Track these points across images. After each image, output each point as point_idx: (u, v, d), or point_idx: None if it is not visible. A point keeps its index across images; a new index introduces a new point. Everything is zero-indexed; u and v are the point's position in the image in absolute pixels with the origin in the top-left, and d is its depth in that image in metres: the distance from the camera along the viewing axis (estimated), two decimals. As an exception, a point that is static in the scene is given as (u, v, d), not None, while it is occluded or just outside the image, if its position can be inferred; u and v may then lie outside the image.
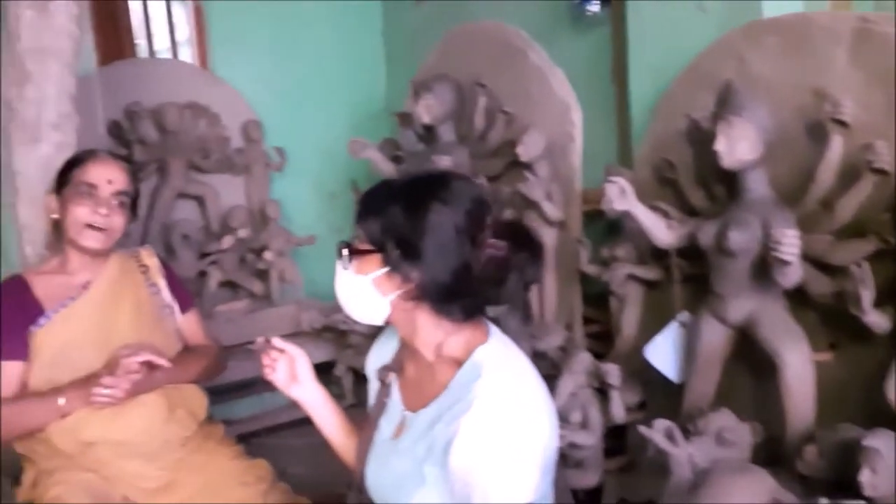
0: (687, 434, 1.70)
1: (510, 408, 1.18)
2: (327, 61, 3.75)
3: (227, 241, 3.22)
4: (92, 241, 1.83)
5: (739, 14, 2.10)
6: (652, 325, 2.19)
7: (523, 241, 1.28)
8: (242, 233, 3.25)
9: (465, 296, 1.25)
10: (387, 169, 2.88)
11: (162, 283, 2.01)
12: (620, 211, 1.98)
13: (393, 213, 1.24)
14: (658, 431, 1.60)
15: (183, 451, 1.88)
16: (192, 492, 1.84)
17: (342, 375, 3.05)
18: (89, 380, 1.75)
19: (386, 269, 1.26)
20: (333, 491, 2.02)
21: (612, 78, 2.61)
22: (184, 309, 2.05)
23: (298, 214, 3.61)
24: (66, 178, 1.86)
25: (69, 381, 1.77)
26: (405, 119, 2.94)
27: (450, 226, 1.22)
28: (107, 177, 1.84)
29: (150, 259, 2.03)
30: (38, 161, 2.11)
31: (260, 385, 2.95)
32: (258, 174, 3.43)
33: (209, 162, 3.31)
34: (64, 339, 1.82)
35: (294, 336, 2.99)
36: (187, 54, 3.78)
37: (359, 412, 1.60)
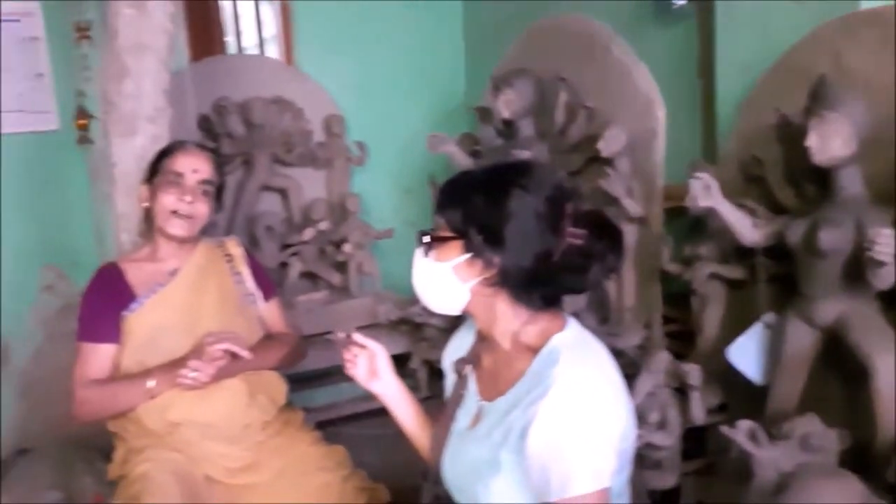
0: (770, 438, 1.65)
1: (587, 393, 1.18)
2: (408, 57, 3.78)
3: (308, 234, 3.29)
4: (177, 228, 1.91)
5: (835, 6, 2.03)
6: (734, 325, 2.13)
7: (604, 231, 1.27)
8: (323, 225, 3.32)
9: (545, 283, 1.26)
10: (465, 164, 2.89)
11: (246, 272, 2.08)
12: (704, 208, 1.94)
13: (474, 201, 1.26)
14: (741, 432, 1.56)
15: (263, 434, 1.94)
16: (271, 474, 1.89)
17: (417, 368, 3.07)
18: (176, 363, 1.82)
19: (467, 256, 1.27)
20: (407, 481, 2.05)
21: (697, 72, 2.55)
22: (266, 297, 2.11)
23: (376, 208, 3.66)
24: (156, 167, 1.95)
25: (157, 365, 1.85)
26: (484, 114, 2.94)
27: (531, 212, 1.23)
28: (192, 166, 1.92)
29: (235, 248, 2.10)
30: (133, 153, 2.21)
31: (337, 375, 3.02)
32: (339, 168, 3.48)
33: (292, 155, 3.38)
34: (153, 323, 1.90)
35: (370, 328, 3.04)
36: (273, 51, 3.88)
37: (433, 404, 1.62)
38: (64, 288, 3.16)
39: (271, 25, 3.96)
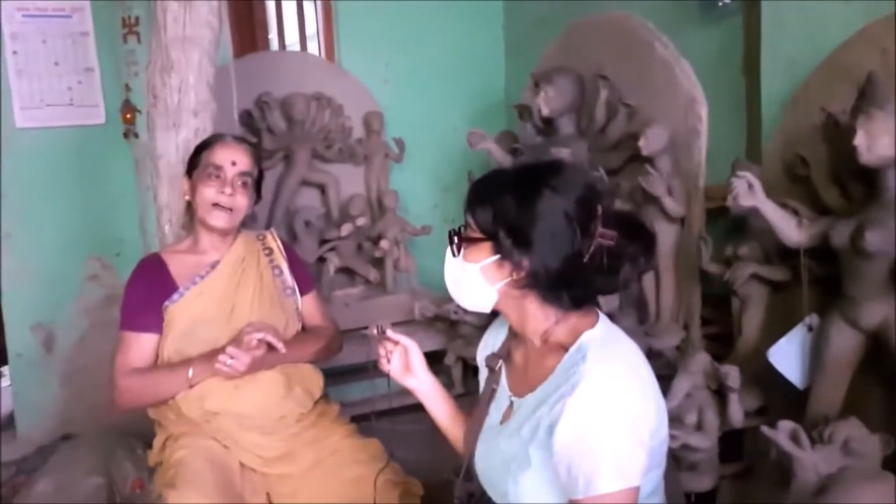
0: (811, 442, 1.63)
1: (614, 390, 1.17)
2: (448, 54, 3.78)
3: (346, 229, 3.31)
4: (219, 220, 1.94)
5: (883, 4, 1.98)
6: (775, 327, 2.10)
7: (635, 232, 1.26)
8: (361, 221, 3.34)
9: (574, 284, 1.25)
10: (504, 162, 2.88)
11: (284, 266, 2.10)
12: (747, 207, 1.91)
13: (504, 201, 1.25)
14: (783, 433, 1.53)
15: (298, 426, 1.96)
16: (305, 464, 1.91)
17: (451, 365, 3.07)
18: (215, 353, 1.84)
19: (495, 258, 1.27)
20: (439, 477, 2.05)
21: (742, 71, 2.51)
22: (304, 291, 2.13)
23: (414, 205, 3.67)
24: (196, 161, 1.98)
25: (197, 355, 1.88)
26: (524, 111, 2.93)
27: (560, 214, 1.22)
28: (231, 158, 1.95)
29: (274, 242, 2.13)
30: (177, 145, 2.25)
31: (372, 370, 3.03)
32: (378, 164, 3.50)
33: (332, 151, 3.41)
34: (193, 314, 1.93)
35: (406, 324, 3.04)
36: (315, 49, 3.91)
37: (468, 401, 1.62)
38: (108, 278, 3.23)
39: (313, 23, 4.00)
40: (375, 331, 1.51)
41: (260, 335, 1.84)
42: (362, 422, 2.21)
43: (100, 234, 3.23)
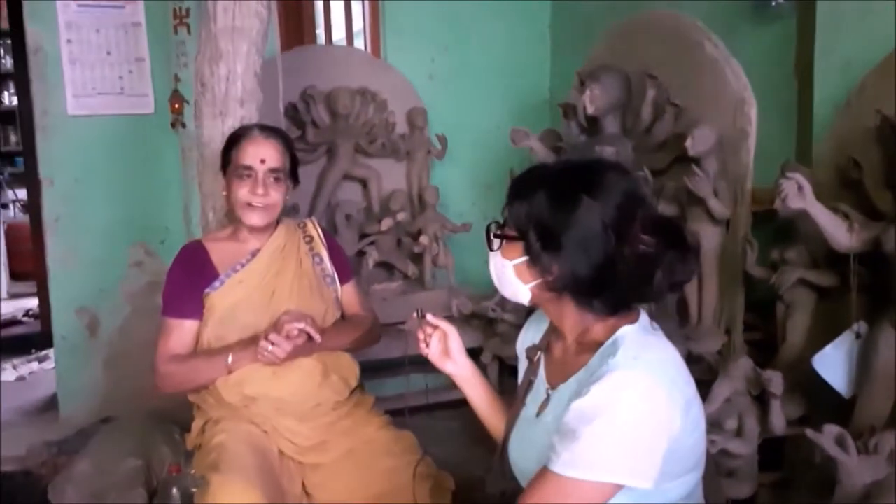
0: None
1: (638, 388, 1.14)
2: (493, 52, 3.78)
3: (386, 224, 3.32)
4: (254, 219, 1.95)
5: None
6: (821, 334, 2.05)
7: (674, 239, 1.22)
8: (401, 216, 3.35)
9: (606, 292, 1.23)
10: (548, 160, 2.86)
11: (324, 254, 2.11)
12: (795, 210, 1.87)
13: (539, 202, 1.23)
14: (829, 437, 1.49)
15: (334, 414, 1.96)
16: (339, 454, 1.92)
17: (488, 363, 3.06)
18: (254, 340, 1.86)
19: (525, 258, 1.26)
20: (472, 474, 2.05)
21: (794, 72, 2.46)
22: (344, 279, 2.13)
23: (454, 202, 3.66)
24: (226, 158, 1.99)
25: (236, 341, 1.90)
26: (569, 110, 2.91)
27: (596, 220, 1.19)
28: (260, 156, 1.93)
29: (315, 230, 2.13)
30: (223, 134, 2.25)
31: (407, 366, 3.03)
32: (420, 160, 3.50)
33: (375, 146, 3.42)
34: (233, 301, 1.95)
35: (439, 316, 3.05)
36: (361, 44, 3.94)
37: (504, 396, 1.61)
38: (152, 265, 3.28)
39: (360, 19, 4.02)
40: (416, 315, 1.51)
41: (300, 325, 1.85)
42: (396, 417, 2.21)
43: (145, 222, 3.28)
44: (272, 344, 1.81)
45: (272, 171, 1.94)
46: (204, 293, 1.95)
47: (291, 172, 2.02)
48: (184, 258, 2.03)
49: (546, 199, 1.23)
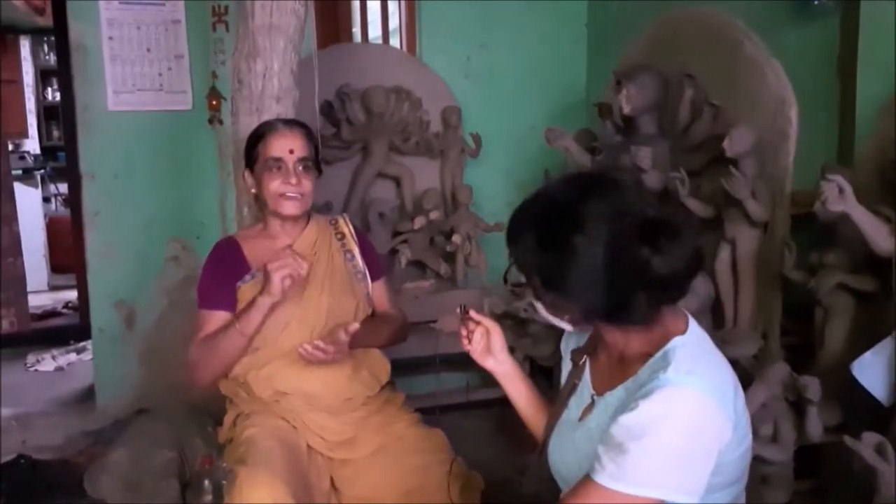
0: (896, 461, 1.55)
1: (692, 405, 1.12)
2: (529, 52, 3.76)
3: (419, 222, 3.32)
4: (290, 208, 1.97)
5: None
6: (860, 340, 2.00)
7: (664, 237, 1.18)
8: (434, 215, 3.34)
9: (630, 309, 1.21)
10: (583, 160, 2.85)
11: (356, 250, 2.12)
12: (836, 213, 1.83)
13: (531, 249, 1.22)
14: (867, 445, 1.46)
15: (364, 410, 1.97)
16: (369, 451, 1.92)
17: (519, 363, 3.05)
18: (252, 303, 1.85)
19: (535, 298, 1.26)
20: (502, 475, 2.04)
21: (836, 72, 2.41)
22: (375, 276, 2.14)
23: (488, 201, 3.65)
24: (253, 154, 2.00)
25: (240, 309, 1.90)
26: (604, 110, 2.88)
27: (593, 254, 1.17)
28: (288, 147, 1.95)
29: (346, 227, 2.14)
30: (259, 131, 2.29)
31: (438, 364, 3.04)
32: (453, 159, 3.50)
33: (409, 144, 3.42)
34: None
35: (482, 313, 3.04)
36: (397, 43, 3.94)
37: (545, 397, 1.60)
38: (188, 260, 3.33)
39: (396, 18, 4.03)
40: (459, 310, 1.51)
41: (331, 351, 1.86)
42: (427, 415, 2.22)
43: (182, 217, 3.33)
44: (316, 349, 1.84)
45: (301, 160, 1.96)
46: (236, 285, 1.97)
47: (315, 161, 2.04)
48: (217, 253, 2.05)
49: (537, 246, 1.21)
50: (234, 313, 1.95)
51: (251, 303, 1.86)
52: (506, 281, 1.33)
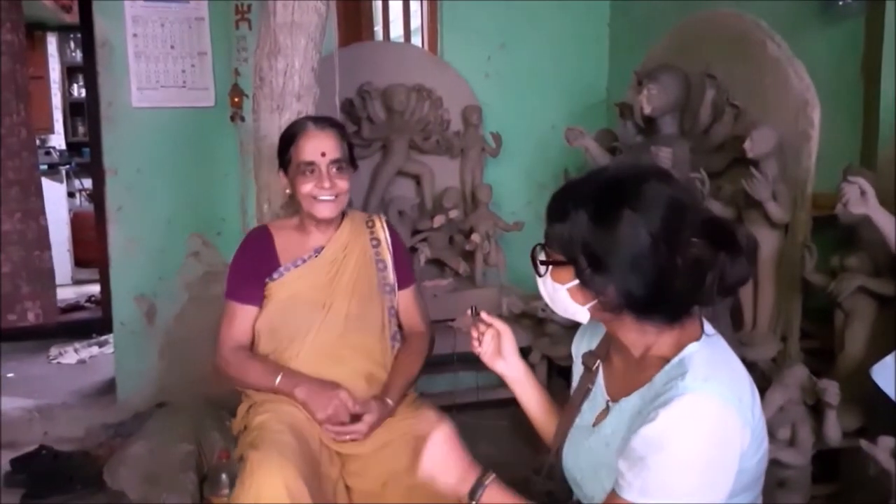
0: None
1: (711, 413, 1.11)
2: (550, 51, 3.75)
3: (439, 220, 3.32)
4: (325, 211, 1.95)
5: None
6: (881, 344, 1.98)
7: (726, 240, 1.17)
8: (453, 213, 3.34)
9: (665, 303, 1.19)
10: (603, 160, 2.83)
11: (389, 261, 2.07)
12: (858, 215, 1.81)
13: (580, 223, 1.18)
14: (884, 449, 1.44)
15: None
16: (377, 446, 1.89)
17: (536, 363, 3.04)
18: (303, 378, 1.89)
19: (577, 282, 1.22)
20: (517, 474, 2.04)
21: (860, 74, 2.38)
22: (404, 284, 2.09)
23: (507, 201, 3.65)
24: (285, 157, 1.98)
25: (291, 370, 1.91)
26: (625, 110, 2.87)
27: (644, 235, 1.14)
28: (320, 150, 1.93)
29: (382, 232, 2.09)
30: (280, 127, 2.28)
31: (455, 363, 3.04)
32: (474, 158, 3.50)
33: (429, 143, 3.43)
34: (290, 294, 1.97)
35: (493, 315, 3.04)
36: (418, 42, 3.95)
37: (554, 397, 1.59)
38: (208, 256, 3.36)
39: (418, 17, 4.04)
40: (469, 312, 1.50)
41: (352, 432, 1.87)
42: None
43: (203, 213, 3.36)
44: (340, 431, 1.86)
45: (334, 162, 1.93)
46: (264, 281, 1.98)
47: (349, 159, 2.01)
48: (249, 243, 2.05)
49: (588, 220, 1.17)
50: (259, 307, 1.97)
51: (294, 380, 1.88)
52: (534, 258, 1.27)
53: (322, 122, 2.02)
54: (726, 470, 1.12)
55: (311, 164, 1.93)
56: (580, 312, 1.26)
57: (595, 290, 1.20)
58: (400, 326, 2.11)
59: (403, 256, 2.13)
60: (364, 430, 1.86)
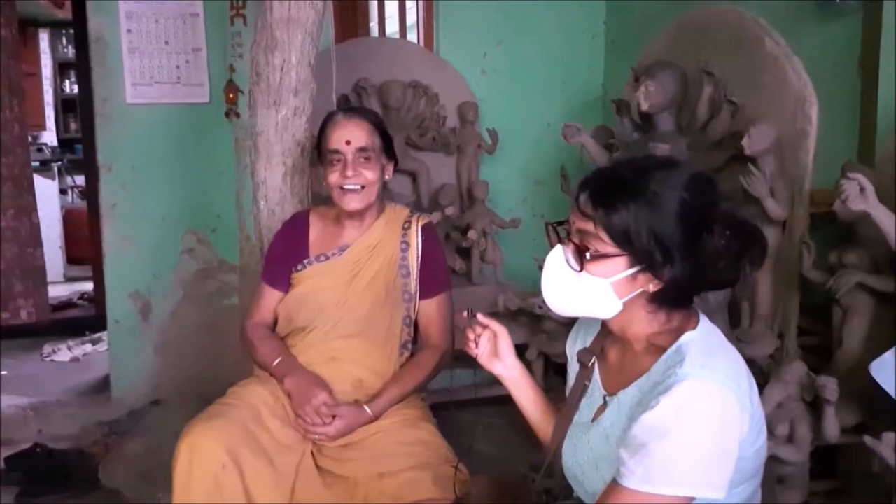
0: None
1: (710, 397, 1.12)
2: (547, 48, 3.75)
3: (435, 217, 3.31)
4: (351, 202, 1.92)
5: None
6: (880, 341, 1.98)
7: (741, 227, 1.21)
8: (450, 210, 3.34)
9: (700, 287, 1.22)
10: (599, 156, 2.83)
11: (415, 269, 1.99)
12: (856, 212, 1.81)
13: (641, 211, 1.17)
14: (888, 446, 1.44)
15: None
16: (366, 433, 1.88)
17: (533, 360, 3.05)
18: (299, 371, 1.89)
19: (632, 271, 1.20)
20: (515, 471, 2.03)
21: (857, 71, 2.38)
22: (428, 294, 2.01)
23: (504, 197, 3.65)
24: (320, 150, 1.97)
25: (291, 358, 1.93)
26: (622, 106, 2.87)
27: (696, 219, 1.17)
28: (345, 138, 1.90)
29: (415, 238, 2.00)
30: (276, 123, 2.30)
31: (454, 360, 3.03)
32: (470, 155, 3.49)
33: (425, 139, 3.42)
34: (309, 287, 1.97)
35: (489, 316, 3.03)
36: (414, 38, 3.94)
37: (549, 396, 1.58)
38: (203, 253, 3.35)
39: (414, 13, 4.03)
40: (465, 314, 1.49)
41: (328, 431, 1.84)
42: (442, 411, 2.20)
43: (198, 210, 3.34)
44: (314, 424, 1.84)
45: (360, 150, 1.90)
46: (292, 269, 1.99)
47: (386, 151, 1.97)
48: (289, 227, 2.07)
49: (651, 209, 1.17)
50: (285, 293, 1.99)
51: (288, 369, 1.89)
52: (579, 252, 1.22)
53: (352, 111, 2.02)
54: (727, 455, 1.12)
55: (336, 152, 1.90)
56: (611, 308, 1.24)
57: (655, 274, 1.19)
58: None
59: (434, 265, 2.03)
60: (331, 433, 1.83)
